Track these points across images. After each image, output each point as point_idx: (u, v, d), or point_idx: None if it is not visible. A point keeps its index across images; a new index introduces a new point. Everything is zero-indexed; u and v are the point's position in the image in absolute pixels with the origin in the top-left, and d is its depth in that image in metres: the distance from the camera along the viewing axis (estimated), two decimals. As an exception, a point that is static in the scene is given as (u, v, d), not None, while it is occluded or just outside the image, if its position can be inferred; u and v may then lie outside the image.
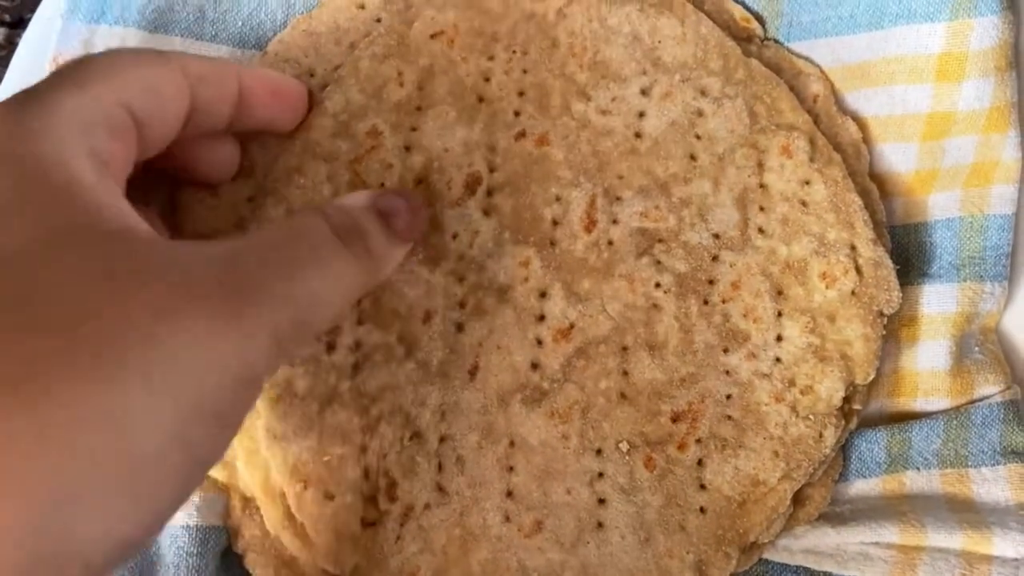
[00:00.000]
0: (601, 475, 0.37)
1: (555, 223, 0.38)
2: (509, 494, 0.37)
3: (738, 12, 0.43)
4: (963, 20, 0.39)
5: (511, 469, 0.37)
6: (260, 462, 0.36)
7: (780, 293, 0.39)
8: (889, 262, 0.39)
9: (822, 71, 0.43)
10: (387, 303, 0.36)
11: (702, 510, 0.38)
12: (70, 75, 0.28)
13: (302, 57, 0.42)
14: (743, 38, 0.43)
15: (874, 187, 0.42)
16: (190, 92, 0.31)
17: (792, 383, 0.38)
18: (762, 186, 0.39)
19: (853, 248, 0.39)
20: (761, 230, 0.39)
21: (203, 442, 0.23)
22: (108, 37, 0.41)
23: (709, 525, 0.37)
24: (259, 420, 0.35)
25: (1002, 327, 0.43)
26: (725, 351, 0.38)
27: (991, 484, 0.40)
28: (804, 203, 0.39)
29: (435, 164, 0.37)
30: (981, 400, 0.41)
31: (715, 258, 0.39)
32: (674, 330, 0.38)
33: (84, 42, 0.41)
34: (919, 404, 0.42)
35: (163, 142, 0.31)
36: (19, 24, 0.47)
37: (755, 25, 0.43)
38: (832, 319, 0.39)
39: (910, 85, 0.41)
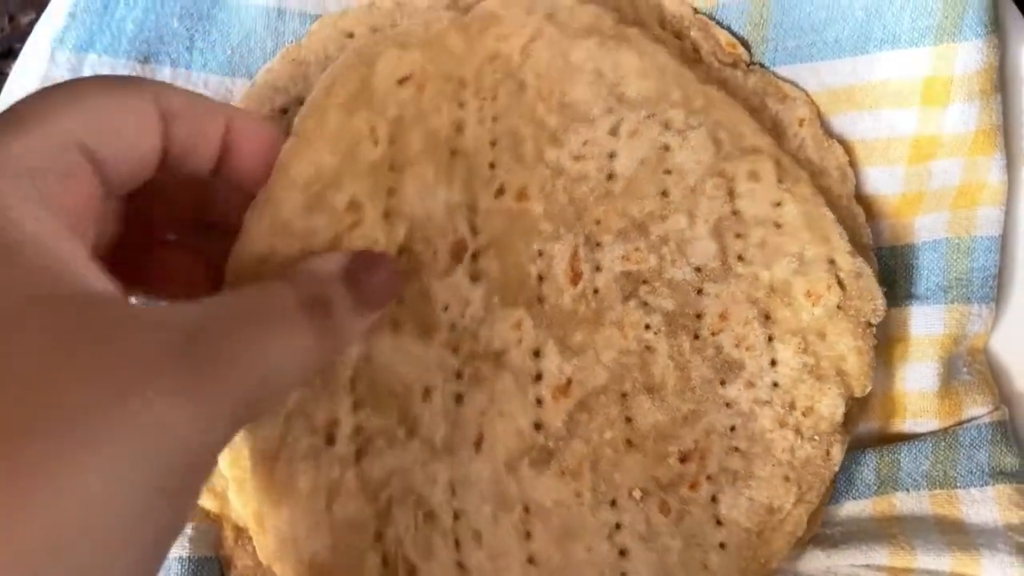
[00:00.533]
0: (619, 526, 0.37)
1: (541, 279, 0.38)
2: (530, 560, 0.36)
3: (724, 37, 0.43)
4: (948, 44, 0.40)
5: (529, 535, 0.36)
6: (251, 491, 0.35)
7: (768, 317, 0.39)
8: (869, 271, 0.39)
9: (808, 95, 0.43)
10: (383, 384, 0.34)
11: (722, 546, 0.38)
12: (18, 113, 0.25)
13: (291, 86, 0.43)
14: (729, 63, 0.43)
15: (860, 210, 0.42)
16: (163, 127, 0.28)
17: (793, 406, 0.39)
18: (735, 213, 0.39)
19: (832, 262, 0.39)
20: (740, 257, 0.39)
21: (162, 517, 0.23)
22: (97, 66, 0.41)
23: (731, 560, 0.38)
24: (266, 521, 0.33)
25: (990, 348, 0.43)
26: (723, 383, 0.39)
27: (980, 505, 0.41)
28: (778, 224, 0.39)
29: (419, 233, 0.35)
30: (969, 421, 0.42)
31: (700, 291, 0.39)
32: (670, 370, 0.38)
33: (72, 71, 0.41)
34: (908, 425, 0.42)
35: (132, 181, 0.28)
36: (8, 55, 0.47)
37: (741, 50, 0.43)
38: (822, 336, 0.39)
39: (896, 109, 0.41)
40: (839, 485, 0.42)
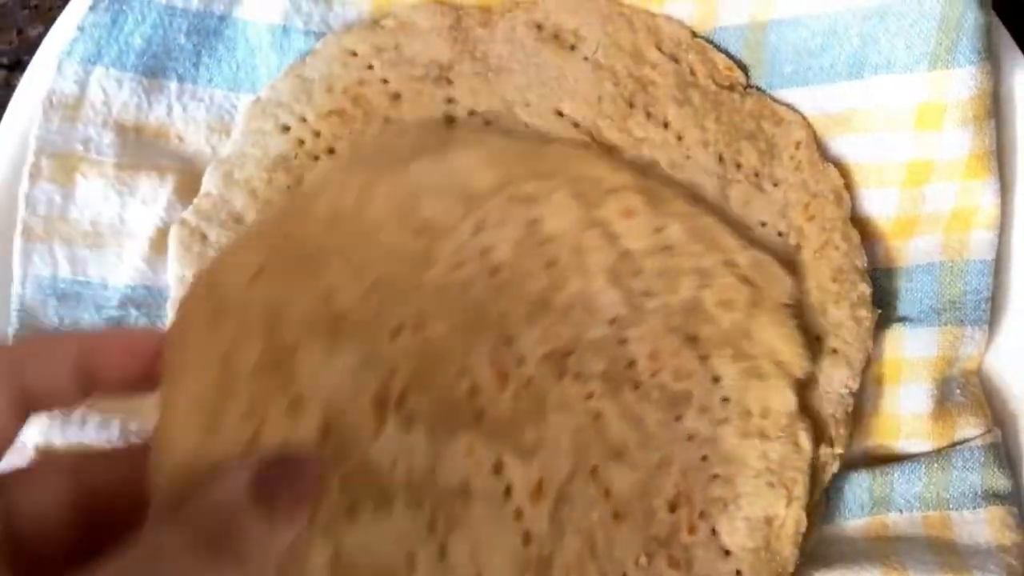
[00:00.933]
0: None
1: (472, 395, 0.36)
2: None
3: (721, 61, 0.44)
4: (941, 71, 0.40)
5: None
6: None
7: (694, 339, 0.39)
8: (767, 257, 0.39)
9: (804, 118, 0.43)
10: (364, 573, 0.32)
11: (739, 573, 0.38)
12: None
13: (293, 103, 0.43)
14: (726, 86, 0.44)
15: (856, 233, 0.43)
16: (9, 379, 0.26)
17: (749, 413, 0.39)
18: (624, 254, 0.38)
19: (730, 263, 0.39)
20: (646, 293, 0.38)
21: None
22: (104, 79, 0.42)
23: None
24: None
25: (983, 370, 0.44)
26: (678, 419, 0.39)
27: (972, 527, 0.41)
28: (667, 248, 0.39)
29: (334, 410, 0.32)
30: (963, 443, 0.42)
31: (622, 342, 0.38)
32: (626, 428, 0.38)
33: (79, 83, 0.42)
34: (901, 446, 0.43)
35: None
36: (17, 66, 0.48)
37: (738, 73, 0.44)
38: (749, 336, 0.39)
39: (890, 133, 0.42)
40: (833, 505, 0.42)
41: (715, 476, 0.38)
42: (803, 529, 0.39)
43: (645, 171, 0.41)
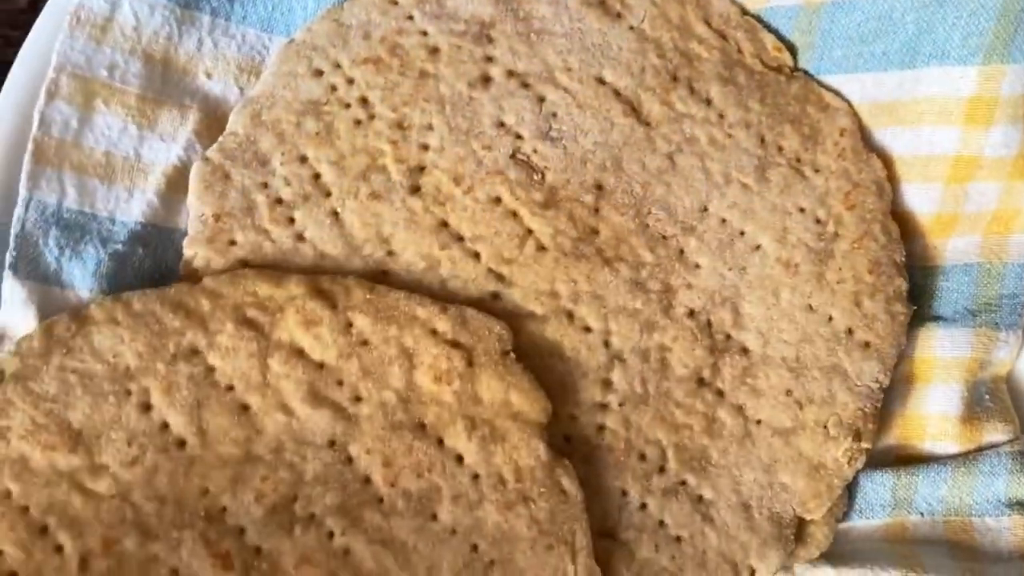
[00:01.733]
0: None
1: None
2: None
3: (770, 41, 0.43)
4: (996, 65, 0.40)
5: None
6: None
7: (422, 427, 0.36)
8: (468, 310, 0.38)
9: (851, 106, 0.42)
10: None
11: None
12: None
13: (329, 47, 0.42)
14: (773, 68, 0.43)
15: (895, 226, 0.42)
16: None
17: (503, 481, 0.36)
18: (318, 368, 0.36)
19: (434, 332, 0.37)
20: (356, 399, 0.36)
21: None
22: (136, 2, 0.40)
23: None
24: None
25: (1014, 376, 0.43)
26: (434, 518, 0.36)
27: (995, 534, 0.40)
28: (363, 343, 0.37)
29: None
30: (989, 448, 0.41)
31: (348, 461, 0.36)
32: (380, 552, 0.35)
33: (110, 2, 0.40)
34: (928, 447, 0.41)
35: None
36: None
37: (786, 55, 0.43)
38: (477, 401, 0.37)
39: (938, 127, 0.41)
40: (854, 502, 0.41)
41: (491, 563, 0.36)
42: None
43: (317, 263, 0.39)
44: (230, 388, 0.35)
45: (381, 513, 0.35)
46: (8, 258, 0.39)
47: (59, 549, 0.33)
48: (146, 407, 0.35)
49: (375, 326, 0.36)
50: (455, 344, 0.37)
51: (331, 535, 0.35)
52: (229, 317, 0.36)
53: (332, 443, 0.36)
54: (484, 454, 0.36)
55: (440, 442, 0.36)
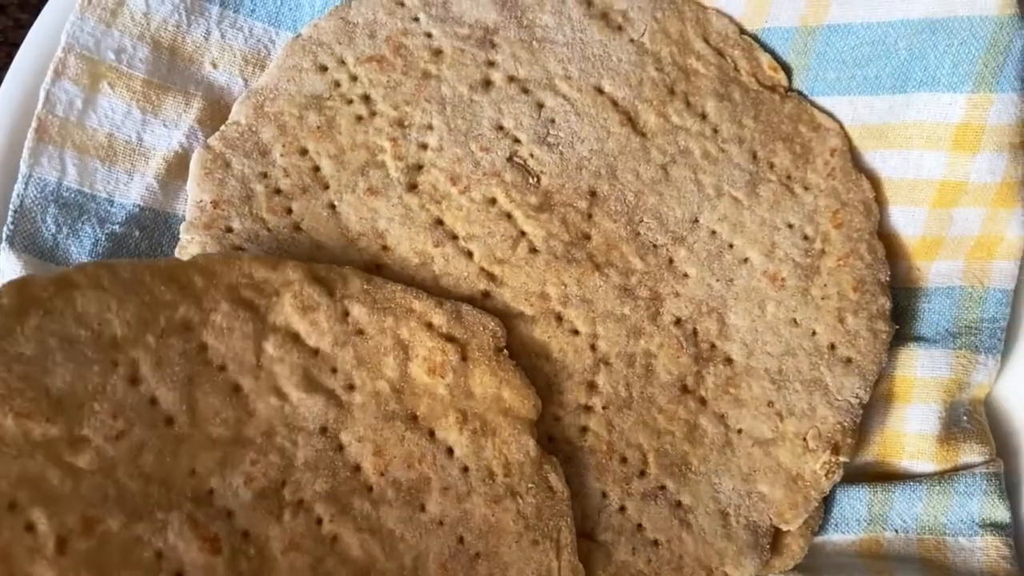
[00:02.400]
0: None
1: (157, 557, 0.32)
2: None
3: (767, 60, 0.44)
4: (984, 94, 0.41)
5: None
6: None
7: (414, 418, 0.37)
8: (462, 306, 0.38)
9: (842, 127, 0.43)
10: None
11: None
12: None
13: (335, 44, 0.42)
14: (767, 86, 0.44)
15: (881, 246, 0.42)
16: None
17: (492, 475, 0.37)
18: (313, 354, 0.36)
19: (430, 325, 0.37)
20: (350, 387, 0.36)
21: None
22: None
23: None
24: None
25: (991, 400, 0.43)
26: (422, 509, 0.36)
27: (967, 554, 0.40)
28: (359, 332, 0.37)
29: None
30: (965, 468, 0.41)
31: (339, 448, 0.36)
32: (368, 541, 0.35)
33: None
34: (905, 464, 0.42)
35: None
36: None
37: (781, 75, 0.44)
38: (469, 395, 0.37)
39: (926, 151, 0.42)
40: (830, 516, 0.41)
41: (477, 556, 0.36)
42: (582, 575, 0.37)
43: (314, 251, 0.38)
44: (222, 368, 0.35)
45: (370, 502, 0.35)
46: (5, 231, 0.39)
47: (30, 528, 0.31)
48: (134, 380, 0.33)
49: (371, 316, 0.37)
50: (450, 338, 0.37)
51: (320, 522, 0.35)
52: (224, 296, 0.35)
53: (324, 430, 0.35)
54: (474, 447, 0.36)
55: (431, 434, 0.36)
